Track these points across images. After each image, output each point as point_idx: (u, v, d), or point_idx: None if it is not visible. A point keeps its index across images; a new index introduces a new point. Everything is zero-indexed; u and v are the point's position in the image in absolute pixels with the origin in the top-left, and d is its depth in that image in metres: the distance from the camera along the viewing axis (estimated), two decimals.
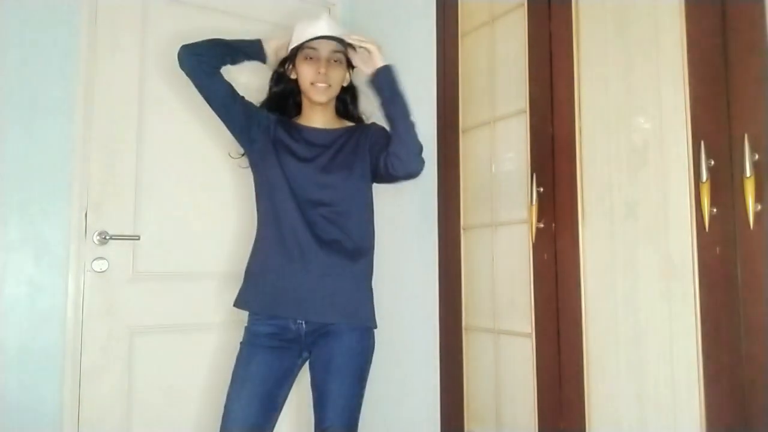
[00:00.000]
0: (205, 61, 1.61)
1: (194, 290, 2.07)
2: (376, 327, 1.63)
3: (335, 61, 1.64)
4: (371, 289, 1.66)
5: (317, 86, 1.63)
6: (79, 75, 1.90)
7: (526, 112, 1.54)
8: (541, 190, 1.46)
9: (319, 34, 1.60)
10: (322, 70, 1.61)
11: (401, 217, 1.98)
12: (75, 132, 1.88)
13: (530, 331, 1.48)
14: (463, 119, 1.77)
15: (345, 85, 1.73)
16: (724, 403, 1.09)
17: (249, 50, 1.70)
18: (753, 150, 1.05)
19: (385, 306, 1.98)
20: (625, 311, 1.27)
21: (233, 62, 1.68)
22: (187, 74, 1.63)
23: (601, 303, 1.32)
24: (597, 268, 1.34)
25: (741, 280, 1.07)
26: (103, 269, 1.90)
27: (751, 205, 1.05)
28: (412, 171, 1.59)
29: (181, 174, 2.07)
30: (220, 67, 1.65)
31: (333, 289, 1.57)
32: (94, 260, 1.89)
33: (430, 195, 1.85)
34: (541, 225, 1.45)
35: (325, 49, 1.63)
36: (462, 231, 1.74)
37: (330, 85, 1.64)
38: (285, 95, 1.76)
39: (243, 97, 1.69)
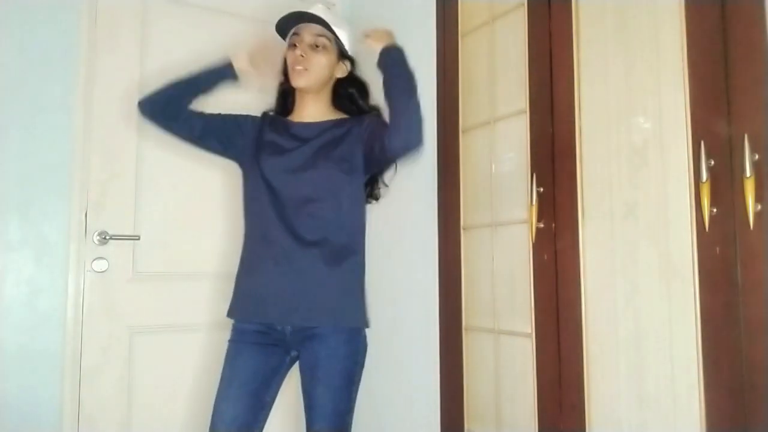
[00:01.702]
0: (168, 108, 1.56)
1: (194, 290, 2.07)
2: (367, 326, 1.58)
3: (318, 46, 1.57)
4: (362, 288, 1.60)
5: (294, 69, 1.56)
6: (79, 75, 1.90)
7: (526, 112, 1.54)
8: (541, 190, 1.46)
9: (297, 15, 1.55)
10: (298, 52, 1.55)
11: (401, 216, 1.98)
12: (75, 132, 1.88)
13: (530, 331, 1.48)
14: (463, 119, 1.77)
15: (341, 76, 1.66)
16: (724, 403, 1.09)
17: (214, 74, 1.59)
18: (753, 150, 1.05)
19: (385, 306, 1.97)
20: (625, 311, 1.27)
21: (203, 92, 1.59)
22: (154, 125, 1.58)
23: (601, 303, 1.32)
24: (597, 268, 1.34)
25: (741, 280, 1.07)
26: (103, 269, 1.90)
27: (751, 205, 1.04)
28: (411, 145, 1.46)
29: (181, 174, 2.07)
30: (186, 107, 1.58)
31: (318, 292, 1.52)
32: (94, 260, 1.89)
33: (430, 195, 1.85)
34: (541, 225, 1.45)
35: (308, 33, 1.57)
36: (462, 231, 1.74)
37: (307, 69, 1.56)
38: (285, 94, 1.73)
39: (219, 116, 1.63)
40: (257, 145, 1.61)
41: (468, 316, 1.71)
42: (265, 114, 1.72)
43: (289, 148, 1.58)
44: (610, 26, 1.35)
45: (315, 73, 1.58)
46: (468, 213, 1.74)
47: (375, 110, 1.69)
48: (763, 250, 1.04)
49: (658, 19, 1.24)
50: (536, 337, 1.47)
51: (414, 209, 1.93)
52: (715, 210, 1.11)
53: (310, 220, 1.53)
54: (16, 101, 1.80)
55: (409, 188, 1.94)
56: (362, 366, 1.58)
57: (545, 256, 1.45)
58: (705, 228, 1.12)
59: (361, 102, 1.70)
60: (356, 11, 2.31)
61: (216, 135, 1.62)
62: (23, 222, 1.79)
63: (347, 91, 1.69)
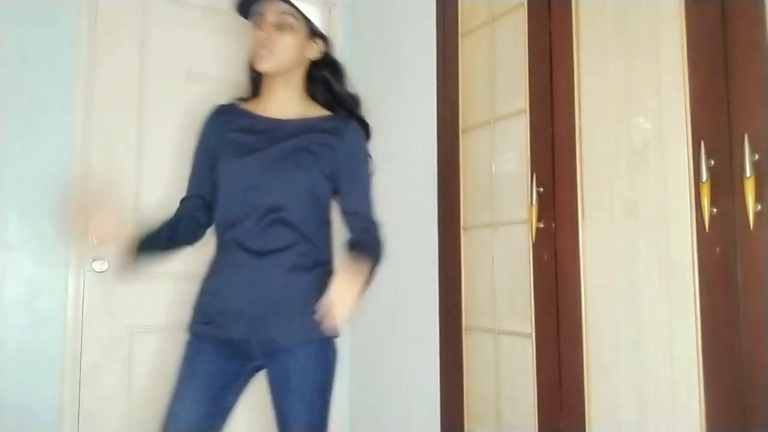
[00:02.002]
0: (188, 234, 1.50)
1: (194, 290, 2.06)
2: (337, 336, 1.44)
3: (285, 25, 1.40)
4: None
5: (256, 52, 1.40)
6: (79, 75, 1.90)
7: (526, 112, 1.54)
8: (541, 190, 1.46)
9: None
10: (261, 34, 1.38)
11: (401, 216, 1.98)
12: (75, 132, 1.88)
13: (530, 331, 1.48)
14: (463, 119, 1.77)
15: (314, 57, 1.47)
16: (724, 402, 1.09)
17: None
18: (753, 150, 1.05)
19: (384, 306, 1.98)
20: (625, 311, 1.27)
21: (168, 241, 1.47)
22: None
23: (601, 303, 1.32)
24: (597, 268, 1.34)
25: (741, 280, 1.07)
26: (103, 269, 1.90)
27: (751, 205, 1.04)
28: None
29: (180, 174, 2.06)
30: (190, 223, 1.50)
31: (284, 304, 1.39)
32: (94, 260, 1.89)
33: (430, 195, 1.85)
34: (541, 225, 1.45)
35: (271, 12, 1.39)
36: (462, 231, 1.74)
37: (271, 51, 1.38)
38: (253, 79, 1.54)
39: (201, 173, 1.52)
40: (217, 153, 1.47)
41: (468, 316, 1.71)
42: (219, 108, 1.53)
43: (255, 148, 1.43)
44: (610, 26, 1.35)
45: (280, 56, 1.41)
46: (468, 213, 1.73)
47: (355, 101, 1.51)
48: (763, 250, 1.04)
49: (658, 19, 1.24)
50: (536, 337, 1.47)
51: (414, 209, 1.93)
52: (715, 210, 1.11)
53: (276, 228, 1.40)
54: (17, 101, 1.80)
55: (409, 188, 1.95)
56: (334, 376, 1.46)
57: (545, 256, 1.44)
58: (705, 228, 1.12)
59: (336, 87, 1.52)
60: (356, 12, 2.30)
61: (214, 181, 1.51)
62: (23, 222, 1.79)
63: (321, 74, 1.52)
